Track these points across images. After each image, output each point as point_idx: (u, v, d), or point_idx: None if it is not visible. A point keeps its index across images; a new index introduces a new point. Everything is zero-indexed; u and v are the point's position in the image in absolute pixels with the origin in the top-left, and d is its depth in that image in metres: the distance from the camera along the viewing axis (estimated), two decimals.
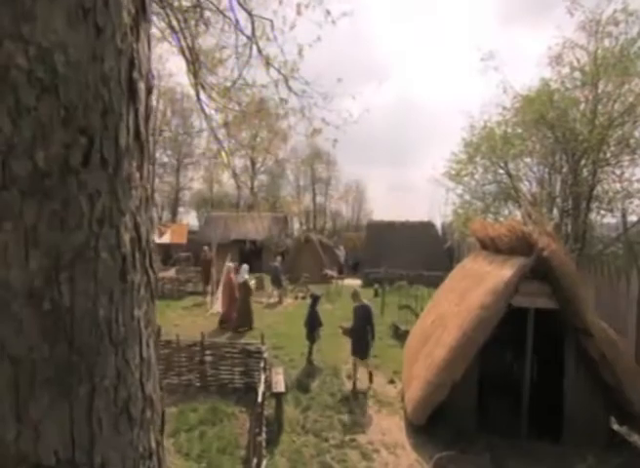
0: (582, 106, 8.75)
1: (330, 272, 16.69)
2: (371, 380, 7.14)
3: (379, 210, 52.66)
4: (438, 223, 21.80)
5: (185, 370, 6.71)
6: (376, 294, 14.44)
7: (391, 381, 7.39)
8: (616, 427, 5.90)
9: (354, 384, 6.96)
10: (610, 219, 9.58)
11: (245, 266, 10.79)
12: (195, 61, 4.12)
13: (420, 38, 70.95)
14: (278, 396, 5.37)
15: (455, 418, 5.67)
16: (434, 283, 10.72)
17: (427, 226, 19.32)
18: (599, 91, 8.41)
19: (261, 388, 4.89)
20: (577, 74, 8.84)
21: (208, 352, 6.67)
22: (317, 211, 46.30)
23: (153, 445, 0.78)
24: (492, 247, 6.98)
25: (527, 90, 9.47)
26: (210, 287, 12.63)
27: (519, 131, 9.67)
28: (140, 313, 0.73)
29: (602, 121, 8.23)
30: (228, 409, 6.00)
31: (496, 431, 5.60)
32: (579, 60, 8.89)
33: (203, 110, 3.91)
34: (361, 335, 6.90)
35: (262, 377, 5.36)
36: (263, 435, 3.93)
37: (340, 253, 19.57)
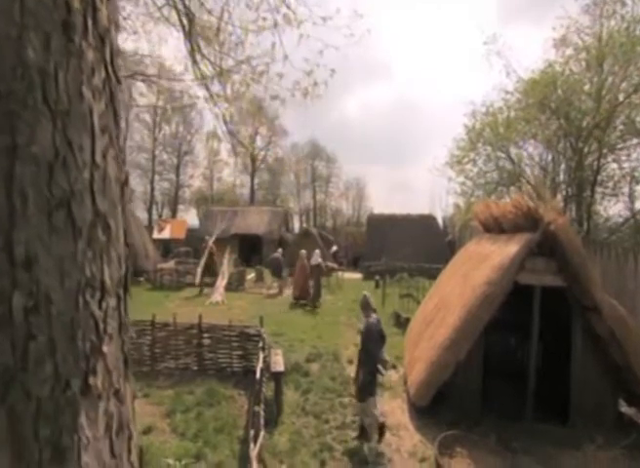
0: (587, 87, 8.58)
1: (331, 264, 16.55)
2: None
3: (379, 207, 52.48)
4: (439, 218, 21.65)
5: (182, 354, 6.55)
6: (377, 286, 14.32)
7: (393, 366, 7.23)
8: (624, 409, 5.75)
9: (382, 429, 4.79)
10: (614, 206, 9.42)
11: (317, 251, 12.83)
12: (190, 21, 3.98)
13: (421, 37, 70.83)
14: (277, 375, 5.21)
15: (459, 401, 5.51)
16: (435, 275, 10.54)
17: (428, 219, 19.12)
18: (604, 70, 8.24)
19: (260, 364, 4.73)
20: (582, 55, 8.67)
21: (205, 335, 6.52)
22: (317, 208, 46.19)
23: (107, 281, 0.63)
24: (496, 228, 6.82)
25: (531, 72, 9.32)
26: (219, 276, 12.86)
27: (522, 114, 9.48)
28: (93, 104, 0.58)
29: (609, 98, 8.03)
30: (226, 392, 5.85)
31: (501, 414, 5.45)
32: (583, 41, 8.72)
33: (200, 70, 3.76)
34: (374, 369, 4.71)
35: (261, 356, 5.21)
36: (262, 409, 3.77)
37: (333, 248, 19.40)
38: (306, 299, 11.95)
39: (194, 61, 4.37)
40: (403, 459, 4.68)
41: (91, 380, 0.57)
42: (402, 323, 9.38)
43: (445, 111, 63.51)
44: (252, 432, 3.30)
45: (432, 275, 12.78)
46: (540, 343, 6.15)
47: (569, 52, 8.92)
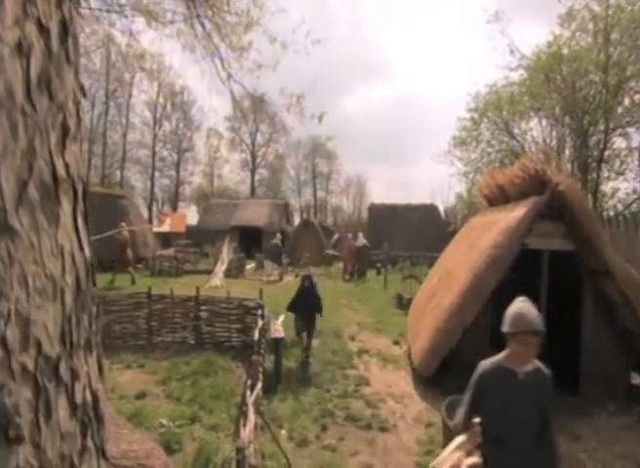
0: (594, 58, 8.34)
1: (332, 252, 16.45)
2: None
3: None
4: (441, 209, 21.47)
5: (180, 328, 6.38)
6: (378, 273, 14.16)
7: (396, 342, 7.05)
8: (636, 381, 5.55)
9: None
10: (621, 183, 9.22)
11: (361, 234, 14.79)
12: None
13: (421, 37, 70.78)
14: (277, 341, 5.04)
15: (465, 370, 5.22)
16: None
17: (430, 208, 18.91)
18: (612, 41, 7.99)
19: (259, 326, 4.56)
20: (589, 26, 8.45)
21: (203, 308, 6.35)
22: (318, 205, 46.13)
23: None
24: (501, 198, 6.63)
25: (535, 47, 9.11)
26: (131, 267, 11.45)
27: (526, 90, 9.28)
28: None
29: (616, 70, 7.78)
30: (224, 363, 5.67)
31: None
32: (591, 12, 8.47)
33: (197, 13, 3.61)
34: None
35: (260, 322, 5.03)
36: (260, 359, 3.59)
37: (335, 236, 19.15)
38: (354, 275, 13.75)
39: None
40: (408, 425, 4.49)
41: None
42: (405, 304, 9.18)
43: (445, 110, 63.43)
44: (249, 382, 3.12)
45: (434, 263, 12.64)
46: (547, 318, 5.94)
47: (575, 25, 8.73)
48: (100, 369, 0.61)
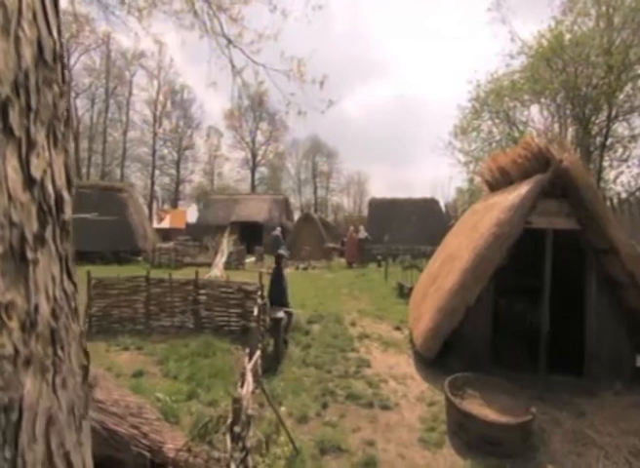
0: (597, 42, 8.24)
1: (332, 245, 16.45)
2: None
3: None
4: (442, 205, 21.39)
5: (178, 312, 6.29)
6: (379, 265, 14.09)
7: (397, 328, 6.97)
8: None
9: None
10: (626, 170, 9.11)
11: (362, 227, 16.44)
12: None
13: (421, 34, 70.76)
14: (277, 321, 4.95)
15: (468, 352, 5.22)
16: None
17: (431, 203, 18.81)
18: (614, 24, 7.91)
19: (259, 303, 4.48)
20: (592, 11, 8.36)
21: (202, 292, 6.27)
22: (318, 204, 46.07)
23: None
24: (503, 181, 6.56)
25: (537, 32, 9.02)
26: None
27: (527, 75, 9.17)
28: None
29: (619, 52, 7.68)
30: (223, 345, 5.59)
31: (513, 367, 5.16)
32: None
33: None
34: None
35: (260, 301, 4.95)
36: (259, 326, 3.51)
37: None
38: (356, 263, 15.03)
39: None
40: (410, 404, 4.41)
41: None
42: (406, 294, 9.09)
43: (446, 109, 63.32)
44: (247, 350, 3.04)
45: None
46: (551, 299, 5.85)
47: (577, 10, 8.63)
48: (69, 181, 0.53)
